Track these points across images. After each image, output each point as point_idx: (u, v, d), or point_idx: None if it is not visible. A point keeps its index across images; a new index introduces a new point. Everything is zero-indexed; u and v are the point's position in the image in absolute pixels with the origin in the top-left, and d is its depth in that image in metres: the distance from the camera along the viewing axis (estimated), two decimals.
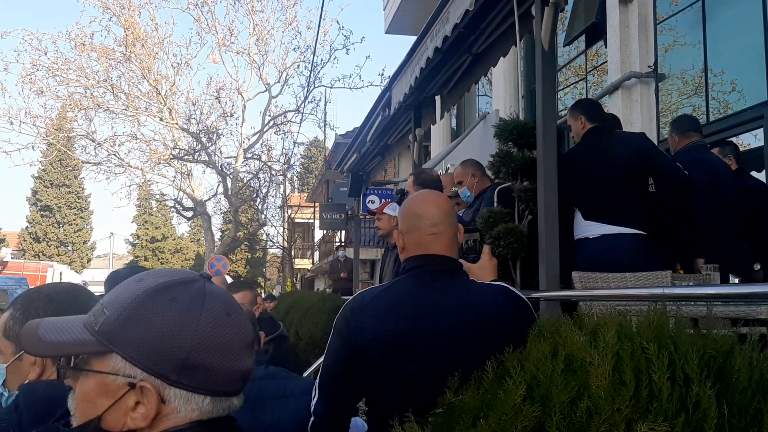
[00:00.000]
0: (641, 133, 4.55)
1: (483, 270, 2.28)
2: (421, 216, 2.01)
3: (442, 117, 7.12)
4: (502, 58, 5.20)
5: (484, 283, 2.04)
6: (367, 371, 1.90)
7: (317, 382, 2.00)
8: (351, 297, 2.05)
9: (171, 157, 20.58)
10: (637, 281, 3.55)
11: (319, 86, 21.47)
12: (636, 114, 7.75)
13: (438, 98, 6.84)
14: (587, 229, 3.94)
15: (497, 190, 4.14)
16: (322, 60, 23.10)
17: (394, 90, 6.66)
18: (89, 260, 47.89)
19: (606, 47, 8.45)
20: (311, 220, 31.65)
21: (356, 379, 1.93)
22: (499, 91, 11.45)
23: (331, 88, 25.72)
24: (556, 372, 1.31)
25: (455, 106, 10.17)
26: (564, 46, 9.62)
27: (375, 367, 1.88)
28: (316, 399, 1.97)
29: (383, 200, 14.35)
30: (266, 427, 2.11)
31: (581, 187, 3.96)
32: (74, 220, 47.09)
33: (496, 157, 3.97)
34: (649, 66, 7.70)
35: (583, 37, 9.13)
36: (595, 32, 8.65)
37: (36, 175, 46.12)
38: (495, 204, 4.39)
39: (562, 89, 9.79)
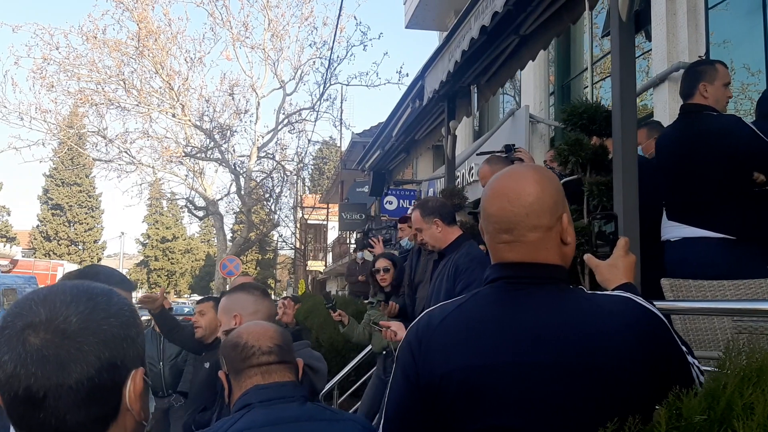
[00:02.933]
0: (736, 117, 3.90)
1: (613, 270, 1.62)
2: (490, 217, 1.45)
3: (478, 108, 6.58)
4: (555, 38, 4.65)
5: (600, 295, 1.43)
6: (437, 420, 1.37)
7: (383, 412, 1.47)
8: (420, 315, 1.52)
9: (183, 154, 20.18)
10: (737, 290, 3.00)
11: (335, 83, 20.95)
12: None
13: (474, 88, 6.30)
14: (669, 230, 3.39)
15: (561, 183, 3.58)
16: (338, 57, 22.56)
17: (427, 78, 6.13)
18: (99, 259, 47.65)
19: (648, 40, 7.90)
20: (324, 222, 31.22)
21: (429, 428, 1.39)
22: (529, 86, 10.92)
23: (347, 85, 25.16)
24: None
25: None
26: (602, 37, 9.07)
27: (444, 415, 1.35)
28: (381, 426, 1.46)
29: (401, 201, 13.90)
30: None
31: (665, 179, 3.41)
32: (85, 219, 46.95)
33: (564, 145, 3.44)
34: (699, 56, 7.15)
35: None
36: (637, 22, 8.11)
37: (47, 173, 46.01)
38: None
39: (602, 79, 9.23)
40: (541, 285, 1.41)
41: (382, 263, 5.32)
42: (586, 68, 9.74)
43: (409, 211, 5.32)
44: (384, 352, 5.14)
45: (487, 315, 1.40)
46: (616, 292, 1.45)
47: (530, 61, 5.13)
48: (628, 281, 1.60)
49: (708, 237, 3.28)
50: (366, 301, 5.62)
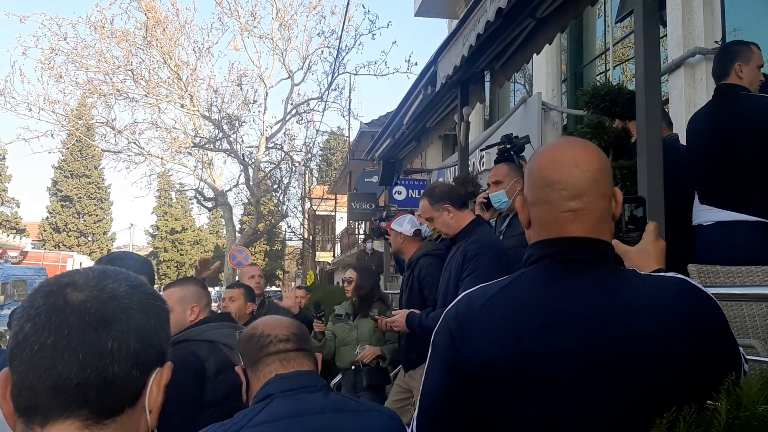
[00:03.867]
0: None
1: (644, 256, 1.51)
2: (553, 184, 1.33)
3: (492, 94, 6.47)
4: (573, 21, 4.54)
5: (656, 277, 1.33)
6: (478, 410, 1.27)
7: (413, 426, 1.37)
8: (458, 298, 1.41)
9: (192, 145, 20.13)
10: (766, 276, 2.90)
11: (343, 73, 20.82)
12: (700, 94, 7.07)
13: (487, 74, 6.19)
14: (702, 214, 3.29)
15: None
16: (346, 46, 22.42)
17: (440, 63, 6.02)
18: (109, 251, 47.76)
19: (663, 25, 7.76)
20: (332, 213, 31.16)
21: (470, 419, 1.29)
22: (541, 73, 10.78)
23: (355, 75, 25.02)
24: None
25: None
26: (616, 23, 8.93)
27: (488, 405, 1.26)
28: (414, 422, 1.35)
29: (410, 192, 13.78)
30: None
31: (695, 162, 3.31)
32: (94, 210, 47.04)
33: (586, 128, 3.34)
34: (716, 42, 7.02)
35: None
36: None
37: (56, 165, 46.09)
38: None
39: (620, 64, 9.09)
40: (593, 264, 1.32)
41: (347, 274, 5.22)
42: (600, 55, 9.61)
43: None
44: (353, 368, 4.94)
45: (536, 297, 1.30)
46: (670, 274, 1.35)
47: (546, 45, 5.02)
48: (660, 267, 1.50)
49: (742, 220, 3.19)
50: (335, 314, 5.30)
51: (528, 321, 1.26)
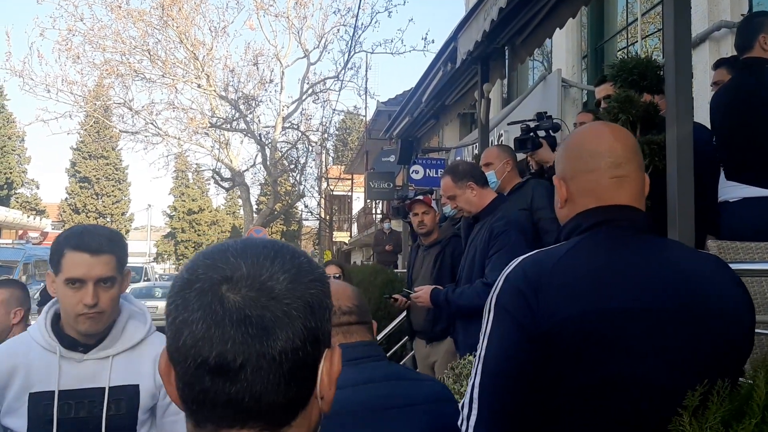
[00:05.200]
0: None
1: None
2: (599, 154, 1.43)
3: (513, 70, 6.38)
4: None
5: (693, 249, 1.48)
6: (552, 369, 1.26)
7: (474, 392, 1.33)
8: (515, 263, 1.39)
9: (209, 125, 20.15)
10: None
11: (359, 51, 20.69)
12: None
13: (507, 49, 6.10)
14: (728, 190, 3.22)
15: None
16: (362, 24, 22.23)
17: (461, 39, 5.93)
18: (127, 231, 48.21)
19: None
20: (349, 193, 31.17)
21: (539, 383, 1.28)
22: (560, 50, 10.62)
23: (371, 53, 24.85)
24: None
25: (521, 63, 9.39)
26: None
27: (564, 362, 1.25)
28: (474, 418, 1.31)
29: (427, 171, 13.71)
30: None
31: (720, 138, 3.23)
32: (112, 191, 47.42)
33: (613, 102, 3.26)
34: (741, 15, 6.86)
35: None
36: None
37: (74, 147, 46.44)
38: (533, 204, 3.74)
39: (647, 37, 8.93)
40: (645, 232, 1.40)
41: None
42: (621, 30, 9.44)
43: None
44: None
45: (609, 258, 1.35)
46: (703, 251, 1.49)
47: (570, 19, 4.93)
48: None
49: None
50: None
51: (608, 280, 1.30)
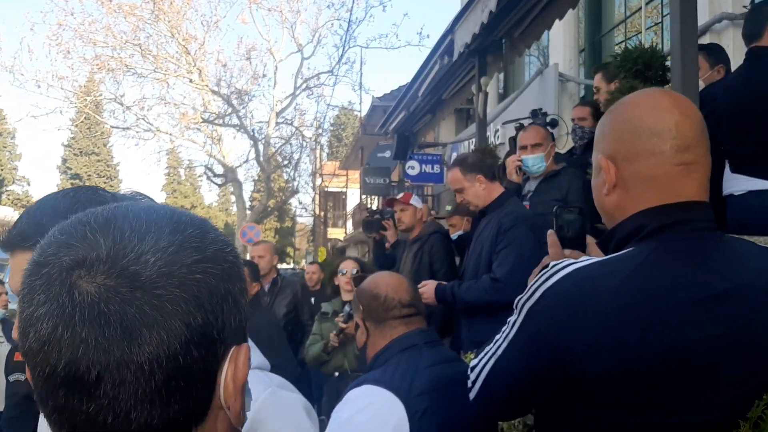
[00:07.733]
0: None
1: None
2: (663, 132, 1.15)
3: (512, 62, 6.28)
4: None
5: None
6: (580, 412, 1.13)
7: (482, 373, 1.26)
8: (560, 269, 1.15)
9: (201, 120, 19.98)
10: None
11: (353, 46, 20.55)
12: None
13: (505, 42, 6.00)
14: (733, 183, 3.14)
15: None
16: (357, 18, 22.11)
17: (458, 32, 5.83)
18: None
19: None
20: (344, 189, 31.05)
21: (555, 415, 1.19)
22: (557, 44, 10.51)
23: (366, 48, 24.67)
24: None
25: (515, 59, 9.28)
26: None
27: (603, 409, 1.08)
28: (474, 393, 1.29)
29: (423, 167, 13.60)
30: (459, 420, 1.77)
31: (726, 129, 3.14)
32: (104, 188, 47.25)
33: (617, 92, 3.16)
34: (744, 6, 6.77)
35: None
36: None
37: (65, 143, 46.18)
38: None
39: (650, 28, 8.83)
40: (713, 231, 1.18)
41: (344, 265, 4.96)
42: (618, 24, 9.35)
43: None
44: (336, 374, 4.47)
45: (665, 279, 1.10)
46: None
47: (570, 10, 4.82)
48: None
49: None
50: (321, 312, 4.83)
51: (663, 309, 1.07)
